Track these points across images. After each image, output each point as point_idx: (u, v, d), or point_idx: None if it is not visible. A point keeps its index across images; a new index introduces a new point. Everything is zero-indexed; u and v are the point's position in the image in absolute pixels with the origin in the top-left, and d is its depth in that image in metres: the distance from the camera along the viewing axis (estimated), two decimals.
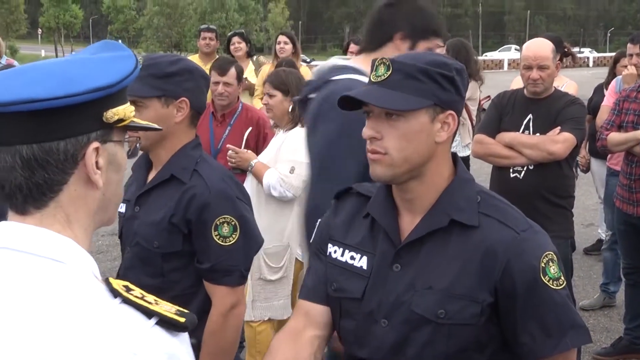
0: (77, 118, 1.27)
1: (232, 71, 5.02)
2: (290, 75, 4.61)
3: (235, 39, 7.97)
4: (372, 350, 1.95)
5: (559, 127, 4.32)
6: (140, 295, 1.24)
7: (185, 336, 1.25)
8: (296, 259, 4.47)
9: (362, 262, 1.99)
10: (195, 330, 2.55)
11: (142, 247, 2.62)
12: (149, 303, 1.23)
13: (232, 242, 2.58)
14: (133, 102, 2.50)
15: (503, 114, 4.53)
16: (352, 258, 2.01)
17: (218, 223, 2.56)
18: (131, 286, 1.27)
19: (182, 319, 1.23)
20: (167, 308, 1.24)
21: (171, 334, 1.22)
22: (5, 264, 1.25)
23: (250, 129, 5.08)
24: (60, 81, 1.24)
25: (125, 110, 1.34)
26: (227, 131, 5.08)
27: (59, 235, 1.28)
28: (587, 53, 49.90)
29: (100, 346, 1.16)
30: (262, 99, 5.16)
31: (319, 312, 2.07)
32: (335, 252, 2.06)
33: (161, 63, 2.58)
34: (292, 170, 4.29)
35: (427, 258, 1.90)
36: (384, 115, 1.85)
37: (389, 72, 1.84)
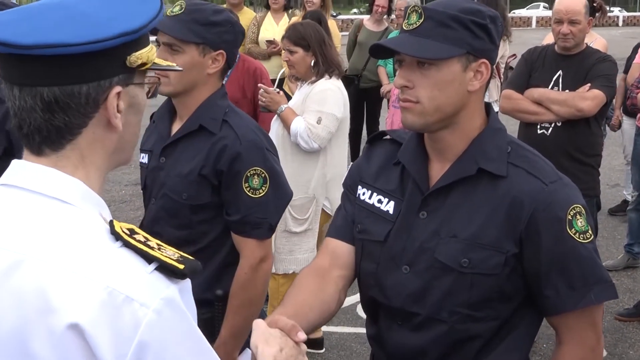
0: (100, 62, 1.26)
1: None
2: (308, 27, 4.43)
3: None
4: (392, 296, 1.95)
5: (588, 84, 4.26)
6: (143, 240, 1.24)
7: (186, 284, 1.24)
8: (322, 210, 4.46)
9: (389, 206, 1.98)
10: (223, 282, 2.59)
11: (169, 198, 2.60)
12: (151, 248, 1.22)
13: (262, 194, 2.56)
14: (169, 45, 2.51)
15: (532, 70, 4.48)
16: (380, 202, 2.00)
17: (249, 175, 2.54)
18: (136, 229, 1.27)
19: (181, 266, 1.21)
20: (168, 254, 1.23)
21: (171, 281, 1.21)
22: (12, 202, 1.26)
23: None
24: (88, 25, 1.23)
25: (148, 54, 1.33)
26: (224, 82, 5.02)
27: (69, 177, 1.29)
28: (617, 12, 48.98)
29: (95, 289, 1.16)
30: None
31: (345, 251, 2.07)
32: (364, 194, 2.05)
33: (206, 10, 2.54)
34: (319, 121, 4.25)
35: (454, 206, 1.89)
36: (416, 64, 1.83)
37: (420, 20, 1.82)
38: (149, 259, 1.21)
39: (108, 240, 1.22)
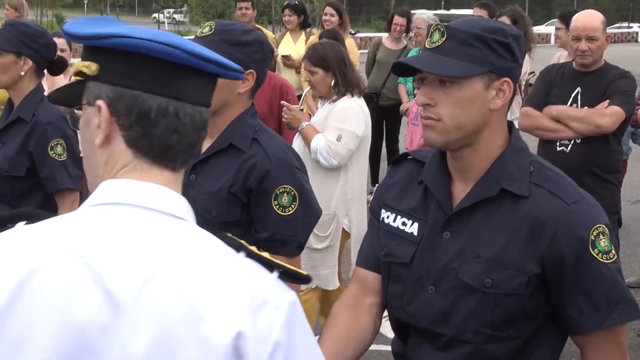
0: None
1: None
2: (328, 47, 4.49)
3: (286, 12, 7.82)
4: (419, 317, 1.96)
5: (607, 101, 4.27)
6: (258, 250, 1.31)
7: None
8: (343, 229, 4.48)
9: (413, 228, 2.00)
10: None
11: (199, 215, 2.59)
12: (269, 257, 1.30)
13: (291, 212, 2.58)
14: None
15: (551, 87, 4.50)
16: (404, 224, 2.02)
17: (278, 192, 2.56)
18: (244, 242, 1.34)
19: (304, 272, 1.30)
20: (282, 262, 1.31)
21: (289, 287, 1.28)
22: (130, 219, 1.29)
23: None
24: None
25: None
26: None
27: (176, 194, 1.35)
28: (636, 28, 48.67)
29: (239, 295, 1.22)
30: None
31: (373, 279, 2.10)
32: (387, 217, 2.07)
33: (235, 30, 2.57)
34: (339, 138, 4.29)
35: (477, 226, 1.90)
36: (438, 82, 1.85)
37: (443, 38, 1.84)
38: (271, 266, 1.29)
39: (232, 251, 1.29)
